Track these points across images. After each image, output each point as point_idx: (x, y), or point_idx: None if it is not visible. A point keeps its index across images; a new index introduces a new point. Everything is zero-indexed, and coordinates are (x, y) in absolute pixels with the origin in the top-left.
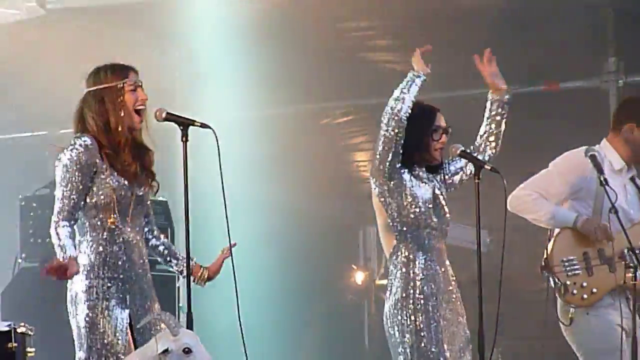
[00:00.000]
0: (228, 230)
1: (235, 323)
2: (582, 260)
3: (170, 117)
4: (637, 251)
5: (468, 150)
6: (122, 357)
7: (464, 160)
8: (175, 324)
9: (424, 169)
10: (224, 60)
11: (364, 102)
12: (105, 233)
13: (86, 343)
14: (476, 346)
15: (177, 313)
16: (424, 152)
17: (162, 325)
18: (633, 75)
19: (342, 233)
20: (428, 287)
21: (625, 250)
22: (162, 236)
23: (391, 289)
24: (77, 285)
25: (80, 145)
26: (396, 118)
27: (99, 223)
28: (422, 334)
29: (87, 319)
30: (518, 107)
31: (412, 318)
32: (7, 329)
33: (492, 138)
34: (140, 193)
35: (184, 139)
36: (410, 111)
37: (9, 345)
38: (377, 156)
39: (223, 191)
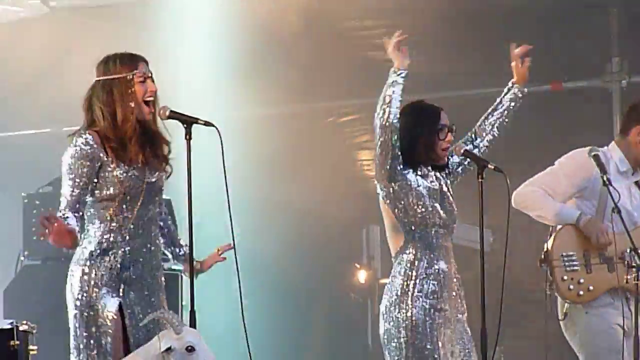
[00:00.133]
0: (232, 229)
1: (239, 321)
2: (581, 257)
3: (174, 115)
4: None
5: (470, 148)
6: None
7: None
8: (178, 322)
9: (429, 167)
10: (228, 58)
11: (368, 101)
12: (112, 224)
13: (76, 328)
14: (479, 345)
15: (180, 311)
16: (431, 152)
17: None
18: (636, 75)
19: (345, 231)
20: (428, 284)
21: (628, 250)
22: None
23: (391, 286)
24: (74, 272)
25: (82, 142)
26: (387, 124)
27: (106, 215)
28: (418, 330)
29: (77, 303)
30: (521, 107)
31: (409, 314)
32: (9, 326)
33: (498, 126)
34: (153, 179)
35: (187, 137)
36: (398, 114)
37: (11, 343)
38: (377, 161)
39: (227, 189)
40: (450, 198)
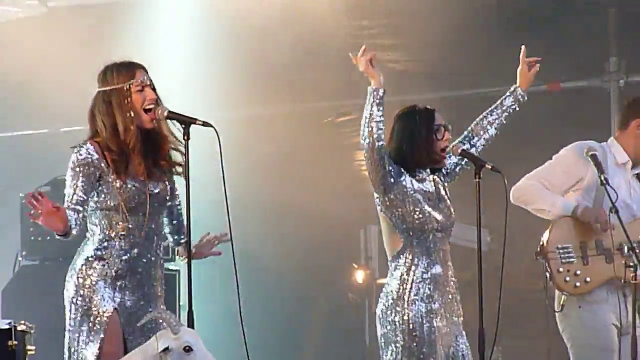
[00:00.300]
0: (230, 229)
1: (236, 321)
2: (578, 249)
3: (172, 116)
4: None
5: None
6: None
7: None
8: (176, 322)
9: (428, 170)
10: (223, 57)
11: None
12: (112, 232)
13: (69, 333)
14: (476, 345)
15: (177, 311)
16: (431, 153)
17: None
18: (634, 75)
19: (343, 232)
20: (425, 288)
21: (626, 248)
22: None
23: (388, 289)
24: (71, 278)
25: (84, 152)
26: (373, 147)
27: (106, 223)
28: (415, 334)
29: (71, 308)
30: (519, 107)
31: (405, 318)
32: (7, 327)
33: (496, 126)
34: (157, 190)
35: (185, 137)
36: (382, 134)
37: (9, 343)
38: (370, 177)
39: (225, 190)
40: (448, 201)
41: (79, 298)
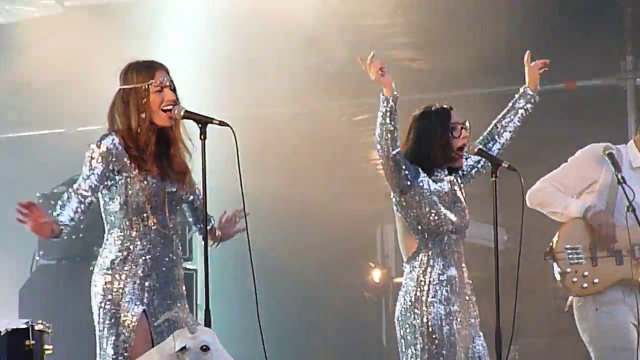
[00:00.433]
0: (247, 229)
1: (253, 320)
2: (588, 250)
3: (189, 115)
4: None
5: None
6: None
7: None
8: (193, 321)
9: (445, 171)
10: (240, 56)
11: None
12: (133, 232)
13: (100, 335)
14: (493, 344)
15: (194, 310)
16: (448, 151)
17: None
18: None
19: (359, 231)
20: (442, 290)
21: (636, 247)
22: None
23: (405, 291)
24: (97, 281)
25: (110, 141)
26: (389, 155)
27: (127, 223)
28: (434, 336)
29: (100, 312)
30: (535, 106)
31: (425, 320)
32: (24, 326)
33: (511, 129)
34: (174, 189)
35: (202, 137)
36: (398, 142)
37: (27, 342)
38: (387, 180)
39: (241, 189)
40: (464, 202)
41: (107, 302)
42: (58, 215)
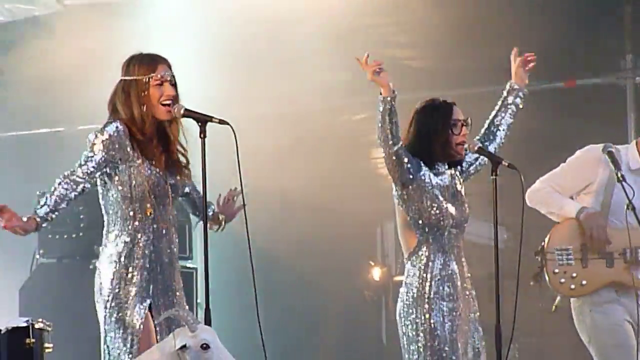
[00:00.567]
0: (247, 227)
1: (253, 319)
2: (578, 251)
3: (188, 114)
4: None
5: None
6: (136, 337)
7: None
8: (193, 320)
9: (446, 165)
10: (241, 55)
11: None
12: (136, 223)
13: (106, 328)
14: (493, 342)
15: (195, 309)
16: (447, 148)
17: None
18: None
19: (360, 229)
20: (444, 286)
21: (628, 250)
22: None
23: (407, 288)
24: (103, 273)
25: (114, 128)
26: (390, 152)
27: (131, 213)
28: (436, 333)
29: (107, 305)
30: (535, 104)
31: (427, 317)
32: (25, 325)
33: (504, 127)
34: (173, 181)
35: (202, 135)
36: (400, 139)
37: (27, 341)
38: (389, 173)
39: (242, 187)
40: (464, 197)
41: (115, 296)
42: (40, 208)
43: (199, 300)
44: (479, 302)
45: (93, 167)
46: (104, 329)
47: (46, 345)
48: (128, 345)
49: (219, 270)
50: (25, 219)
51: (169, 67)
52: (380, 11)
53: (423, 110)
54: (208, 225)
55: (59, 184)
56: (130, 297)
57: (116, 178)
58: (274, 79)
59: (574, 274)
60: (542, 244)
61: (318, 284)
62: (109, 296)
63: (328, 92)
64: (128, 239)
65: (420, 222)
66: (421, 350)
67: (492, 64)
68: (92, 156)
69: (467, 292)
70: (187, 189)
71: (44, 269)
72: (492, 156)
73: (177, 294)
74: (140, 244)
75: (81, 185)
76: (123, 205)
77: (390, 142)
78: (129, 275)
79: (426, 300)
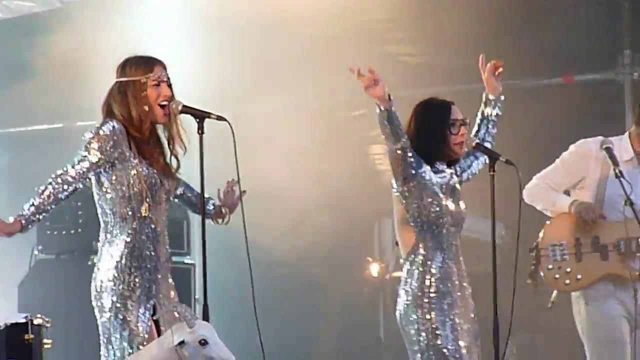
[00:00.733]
0: (244, 223)
1: (251, 315)
2: (572, 246)
3: (187, 110)
4: (633, 242)
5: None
6: (142, 347)
7: (472, 157)
8: (192, 315)
9: (444, 164)
10: (238, 51)
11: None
12: (135, 223)
13: (110, 331)
14: (490, 338)
15: (193, 305)
16: (445, 148)
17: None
18: None
19: (357, 225)
20: (444, 285)
21: (621, 242)
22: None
23: (406, 287)
24: (103, 275)
25: (110, 127)
26: (396, 147)
27: (130, 213)
28: (438, 332)
29: (111, 307)
30: (532, 100)
31: (428, 317)
32: (23, 320)
33: (489, 139)
34: (167, 184)
35: (199, 131)
36: (403, 132)
37: (26, 337)
38: (392, 167)
39: (239, 184)
40: (460, 195)
41: (118, 303)
42: (27, 209)
43: (197, 296)
44: (477, 298)
45: (87, 167)
46: (108, 330)
47: (45, 341)
48: (135, 347)
49: (216, 266)
50: (11, 220)
51: (165, 68)
52: (378, 7)
53: (421, 110)
54: (212, 219)
55: (49, 183)
56: (135, 299)
57: (113, 177)
58: (272, 76)
59: (569, 269)
60: (537, 241)
61: (315, 279)
62: (113, 297)
63: (326, 89)
64: (129, 239)
65: (419, 219)
66: (424, 349)
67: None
68: (87, 156)
69: (466, 291)
70: (179, 190)
71: (42, 264)
72: (490, 152)
73: (172, 292)
74: (141, 245)
75: (73, 186)
76: (120, 204)
77: (395, 139)
78: (132, 277)
79: (426, 299)
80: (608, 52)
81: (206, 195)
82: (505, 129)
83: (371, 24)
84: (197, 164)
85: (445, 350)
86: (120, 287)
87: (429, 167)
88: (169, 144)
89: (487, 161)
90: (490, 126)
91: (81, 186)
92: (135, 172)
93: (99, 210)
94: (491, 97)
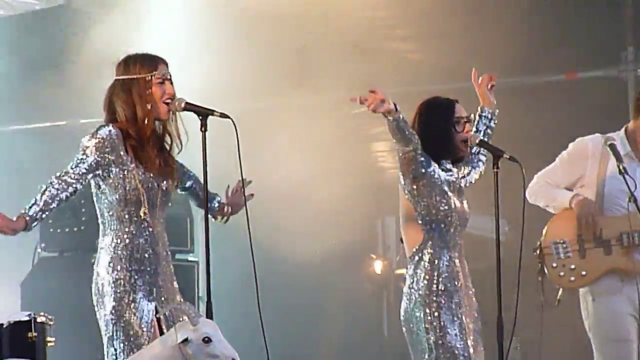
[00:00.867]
0: (247, 220)
1: (254, 312)
2: (575, 243)
3: (190, 107)
4: (635, 235)
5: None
6: (145, 341)
7: (475, 160)
8: (195, 313)
9: (450, 162)
10: (241, 48)
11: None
12: (132, 226)
13: (112, 334)
14: (494, 335)
15: (196, 303)
16: (450, 146)
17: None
18: None
19: (361, 222)
20: (451, 284)
21: (624, 235)
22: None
23: (413, 285)
24: (104, 277)
25: (106, 132)
26: (408, 149)
27: (126, 216)
28: (446, 330)
29: (113, 311)
30: (536, 97)
31: (436, 315)
32: (27, 318)
33: (484, 152)
34: (166, 185)
35: (202, 129)
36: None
37: (29, 334)
38: (401, 168)
39: (242, 182)
40: (464, 196)
41: (120, 306)
42: (30, 207)
43: (200, 294)
44: (481, 295)
45: (85, 169)
46: (111, 332)
47: (48, 339)
48: (137, 346)
49: (220, 263)
50: (15, 218)
51: (167, 66)
52: (382, 4)
53: (425, 109)
54: (212, 215)
55: (51, 183)
56: (137, 301)
57: (110, 181)
58: (272, 72)
59: (573, 266)
60: (540, 240)
61: (319, 277)
62: (114, 300)
63: (328, 86)
64: (127, 242)
65: (427, 218)
66: (432, 347)
67: (492, 58)
68: (84, 158)
69: (470, 291)
70: (188, 183)
71: (45, 262)
72: (494, 149)
73: (178, 296)
74: (140, 247)
75: (73, 187)
76: (118, 207)
77: (408, 142)
78: (133, 280)
79: (434, 298)
80: (611, 49)
81: (214, 192)
82: (508, 126)
83: (372, 21)
84: (200, 161)
85: (454, 350)
86: (121, 289)
87: (436, 165)
88: (164, 140)
89: (482, 171)
90: (486, 139)
91: (81, 187)
92: (132, 177)
93: (98, 212)
94: (486, 111)
